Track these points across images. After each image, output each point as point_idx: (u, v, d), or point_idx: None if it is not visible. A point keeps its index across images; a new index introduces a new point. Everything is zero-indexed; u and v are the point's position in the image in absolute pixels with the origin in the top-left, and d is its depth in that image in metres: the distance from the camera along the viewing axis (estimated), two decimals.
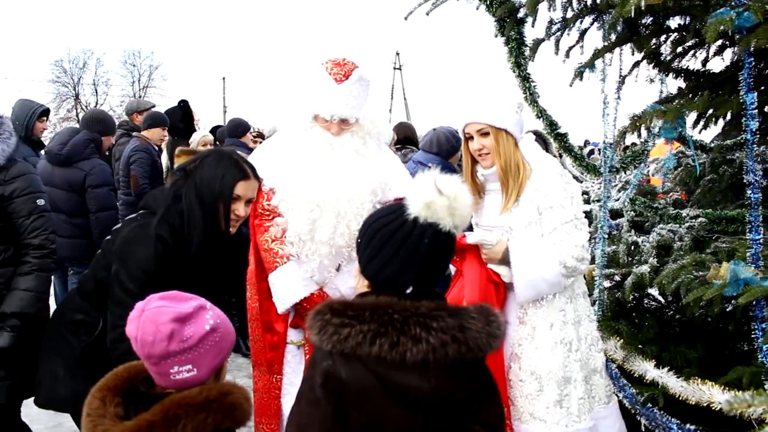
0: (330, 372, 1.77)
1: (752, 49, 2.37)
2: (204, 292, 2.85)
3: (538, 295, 2.75)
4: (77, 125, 6.88)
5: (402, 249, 1.84)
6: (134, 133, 6.89)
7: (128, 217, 2.95)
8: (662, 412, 2.74)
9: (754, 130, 2.42)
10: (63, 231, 5.36)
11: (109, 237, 2.93)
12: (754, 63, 2.44)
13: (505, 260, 2.73)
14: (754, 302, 2.41)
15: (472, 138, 2.85)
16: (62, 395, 2.87)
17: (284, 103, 3.35)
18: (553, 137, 3.98)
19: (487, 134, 2.78)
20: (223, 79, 42.71)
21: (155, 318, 1.80)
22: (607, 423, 2.85)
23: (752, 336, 2.48)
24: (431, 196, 1.83)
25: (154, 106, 7.98)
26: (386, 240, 1.87)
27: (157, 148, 6.78)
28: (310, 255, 3.10)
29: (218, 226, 2.77)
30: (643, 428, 2.86)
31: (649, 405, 2.82)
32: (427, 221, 1.83)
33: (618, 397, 2.97)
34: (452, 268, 2.99)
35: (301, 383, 1.92)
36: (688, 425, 2.59)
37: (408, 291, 1.86)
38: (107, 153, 7.25)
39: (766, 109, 3.26)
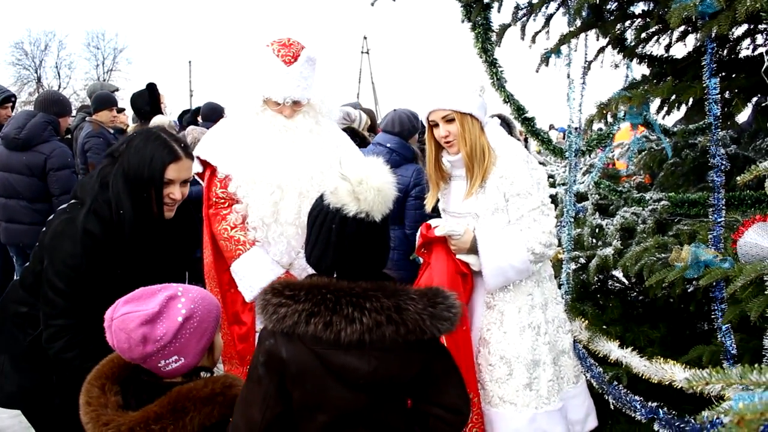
0: (271, 351, 1.80)
1: (714, 35, 2.40)
2: (159, 278, 2.78)
3: (507, 282, 2.76)
4: None
5: (320, 234, 1.88)
6: (87, 118, 6.74)
7: (60, 208, 2.75)
8: (626, 390, 2.80)
9: (716, 114, 2.47)
10: (24, 217, 5.25)
11: (44, 228, 2.73)
12: (716, 49, 2.48)
13: (473, 249, 2.74)
14: (714, 284, 2.46)
15: (437, 125, 2.83)
16: (9, 391, 2.72)
17: (234, 89, 3.30)
18: (520, 122, 4.00)
19: (452, 120, 2.77)
20: (189, 62, 41.92)
21: (124, 326, 1.79)
22: (576, 402, 2.90)
23: (712, 316, 2.53)
24: (335, 181, 1.85)
25: (117, 90, 7.83)
26: (311, 225, 1.92)
27: (112, 132, 6.62)
28: (277, 237, 3.08)
29: (151, 213, 2.60)
30: (611, 407, 2.91)
31: (615, 383, 2.87)
32: (335, 207, 1.85)
33: (586, 376, 3.02)
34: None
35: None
36: (650, 403, 2.65)
37: (334, 274, 1.89)
38: (69, 136, 7.12)
39: (727, 95, 3.31)
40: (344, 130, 5.38)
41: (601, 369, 2.98)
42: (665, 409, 2.58)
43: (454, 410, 1.96)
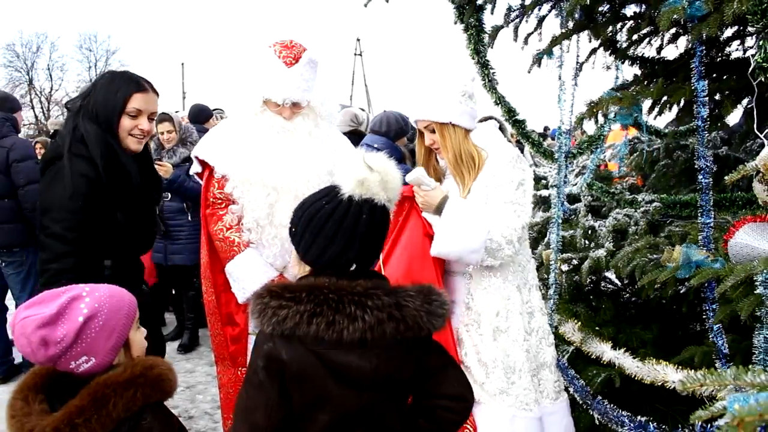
0: (271, 354, 1.79)
1: (703, 37, 2.42)
2: (146, 231, 2.83)
3: (450, 254, 2.69)
4: (32, 111, 6.63)
5: (342, 228, 1.85)
6: None
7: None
8: (613, 405, 2.79)
9: (704, 117, 2.48)
10: None
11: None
12: (705, 51, 2.49)
13: (440, 209, 2.70)
14: (705, 284, 2.47)
15: (422, 134, 2.86)
16: None
17: (233, 89, 3.30)
18: (511, 124, 4.01)
19: (434, 130, 2.78)
20: (182, 64, 41.92)
21: (23, 330, 1.79)
22: (554, 419, 2.84)
23: (704, 317, 2.54)
24: (364, 173, 1.85)
25: None
26: (324, 222, 1.88)
27: None
28: (271, 240, 3.08)
29: (120, 144, 2.68)
30: (596, 422, 2.90)
31: (600, 398, 2.84)
32: (362, 198, 1.85)
33: (569, 391, 2.99)
34: None
35: (246, 368, 1.93)
36: (639, 417, 2.64)
37: (352, 268, 1.88)
38: (53, 134, 7.06)
39: (717, 96, 3.33)
40: (350, 132, 5.40)
41: (583, 382, 2.97)
42: (655, 423, 2.58)
43: (458, 398, 1.97)
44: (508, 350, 2.74)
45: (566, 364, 3.03)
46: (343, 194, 1.86)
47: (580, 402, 2.94)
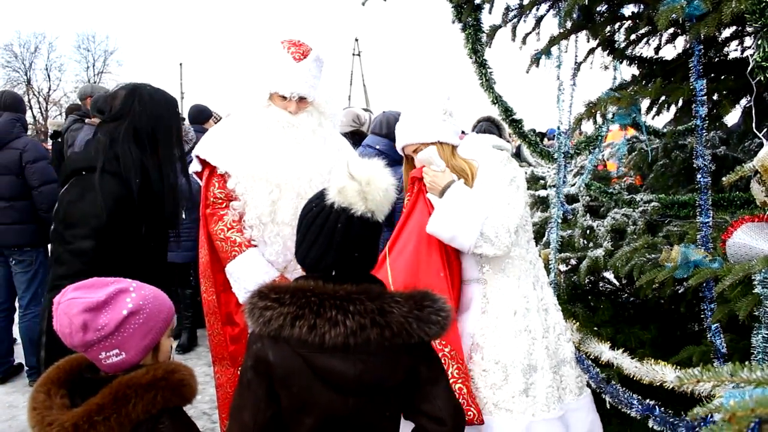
0: (259, 355, 1.80)
1: (702, 37, 2.42)
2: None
3: (443, 231, 2.65)
4: (30, 112, 6.63)
5: (321, 234, 1.86)
6: (87, 120, 6.70)
7: (63, 189, 2.70)
8: (624, 389, 2.79)
9: (703, 116, 2.48)
10: (4, 217, 5.22)
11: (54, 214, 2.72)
12: (703, 50, 2.49)
13: (444, 193, 2.69)
14: (703, 284, 2.47)
15: (412, 158, 2.88)
16: None
17: (239, 85, 3.30)
18: (507, 123, 4.01)
19: None
20: (180, 65, 41.84)
21: (67, 310, 1.80)
22: (579, 416, 2.78)
23: (702, 316, 2.54)
24: (343, 181, 1.84)
25: (107, 91, 7.75)
26: (310, 225, 1.89)
27: None
28: (273, 237, 3.07)
29: (156, 164, 2.73)
30: (607, 405, 2.90)
31: (613, 382, 2.86)
32: (341, 206, 1.84)
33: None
34: None
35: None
36: (648, 400, 2.65)
37: (333, 273, 1.87)
38: (59, 139, 7.04)
39: (715, 96, 3.33)
40: (352, 133, 5.40)
41: (598, 369, 2.96)
42: (662, 408, 2.59)
43: (438, 420, 1.90)
44: (529, 349, 2.70)
45: (582, 355, 3.02)
46: (329, 200, 1.86)
47: (594, 387, 2.94)
